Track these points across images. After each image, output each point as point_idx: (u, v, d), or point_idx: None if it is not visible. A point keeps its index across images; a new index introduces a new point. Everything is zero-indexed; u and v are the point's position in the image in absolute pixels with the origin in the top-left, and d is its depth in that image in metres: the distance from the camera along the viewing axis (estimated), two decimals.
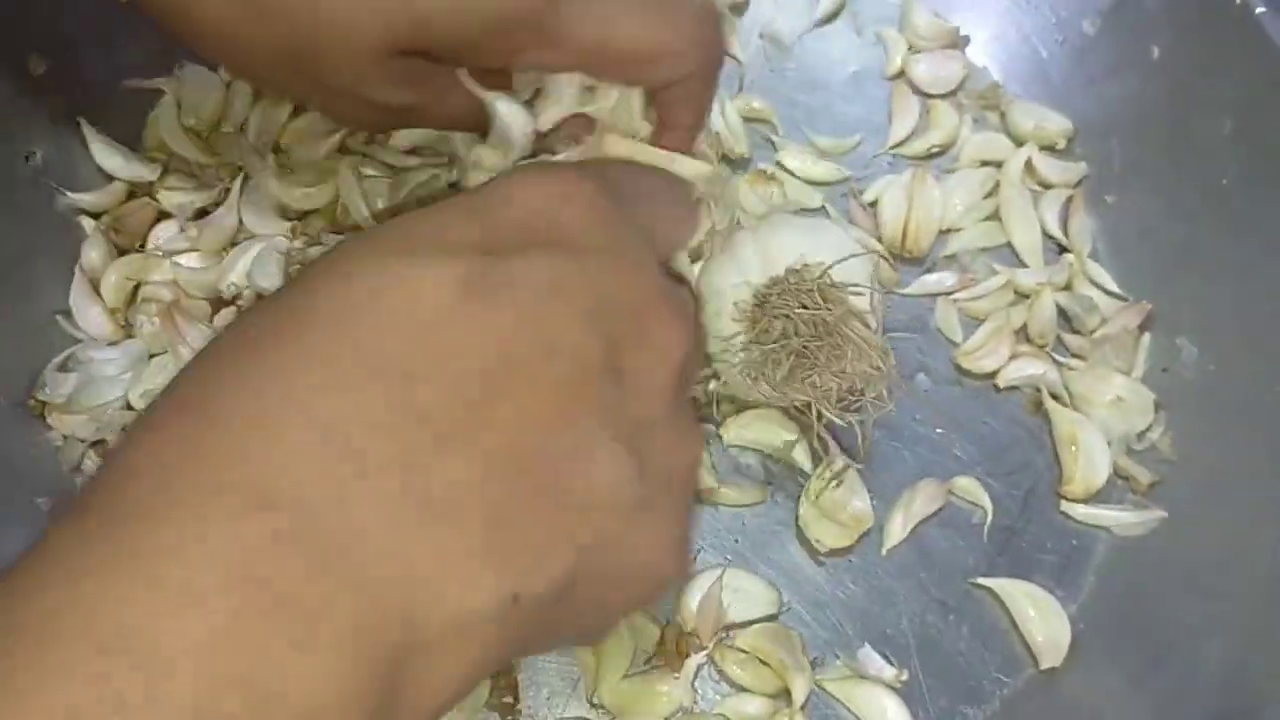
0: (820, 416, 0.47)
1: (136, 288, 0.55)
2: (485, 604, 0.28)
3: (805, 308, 0.46)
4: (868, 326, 0.46)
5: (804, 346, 0.46)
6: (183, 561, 0.24)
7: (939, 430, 0.54)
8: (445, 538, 0.27)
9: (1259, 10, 0.50)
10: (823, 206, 0.59)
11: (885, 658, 0.49)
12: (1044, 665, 0.49)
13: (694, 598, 0.49)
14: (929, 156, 0.60)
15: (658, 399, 0.32)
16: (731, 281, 0.48)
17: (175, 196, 0.56)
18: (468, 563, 0.28)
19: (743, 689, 0.49)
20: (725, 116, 0.60)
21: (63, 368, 0.52)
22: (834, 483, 0.51)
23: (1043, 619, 0.50)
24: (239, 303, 0.54)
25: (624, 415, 0.31)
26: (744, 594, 0.50)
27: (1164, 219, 0.55)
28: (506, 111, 0.43)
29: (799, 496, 0.52)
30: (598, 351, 0.30)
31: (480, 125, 0.44)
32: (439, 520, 0.27)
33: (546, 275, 0.31)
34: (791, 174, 0.59)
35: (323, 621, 0.25)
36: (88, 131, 0.55)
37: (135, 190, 0.56)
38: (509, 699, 0.48)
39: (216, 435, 0.27)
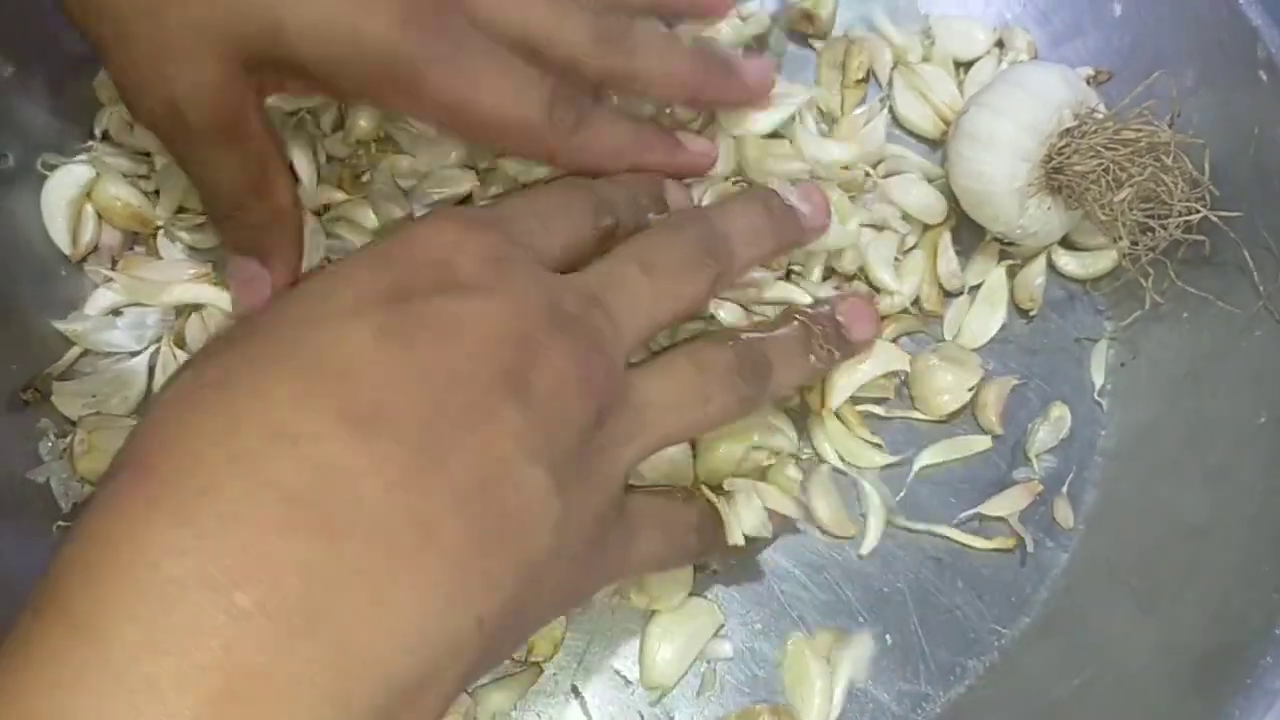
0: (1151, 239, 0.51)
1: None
2: (454, 634, 0.30)
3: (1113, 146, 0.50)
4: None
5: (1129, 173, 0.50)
6: (151, 660, 0.26)
7: None
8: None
9: None
10: None
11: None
12: None
13: None
14: None
15: (568, 427, 0.35)
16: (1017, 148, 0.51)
17: None
18: (432, 597, 0.30)
19: None
20: None
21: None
22: None
23: None
24: None
25: (538, 441, 0.33)
26: None
27: None
28: None
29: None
30: (499, 382, 0.33)
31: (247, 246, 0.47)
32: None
33: (450, 315, 0.34)
34: None
35: (299, 698, 0.27)
36: None
37: None
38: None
39: (166, 516, 0.28)
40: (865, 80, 0.59)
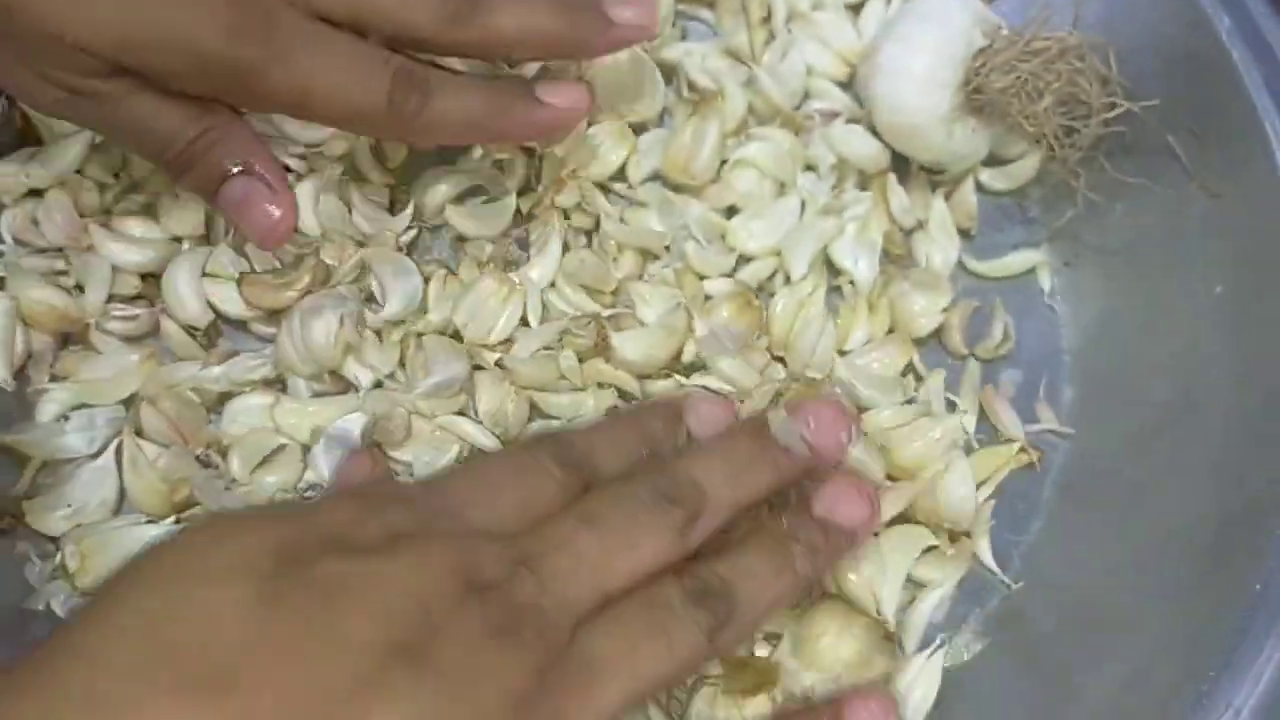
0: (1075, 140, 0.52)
1: None
2: None
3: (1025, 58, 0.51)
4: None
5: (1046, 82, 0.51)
6: None
7: None
8: None
9: None
10: None
11: None
12: None
13: None
14: None
15: (491, 693, 0.33)
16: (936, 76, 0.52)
17: None
18: None
19: None
20: None
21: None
22: None
23: None
24: None
25: (443, 711, 0.32)
26: None
27: None
28: None
29: None
30: (392, 651, 0.32)
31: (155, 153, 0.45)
32: None
33: (338, 577, 0.33)
34: None
35: None
36: None
37: None
38: None
39: None
40: (768, 20, 0.59)
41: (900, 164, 0.57)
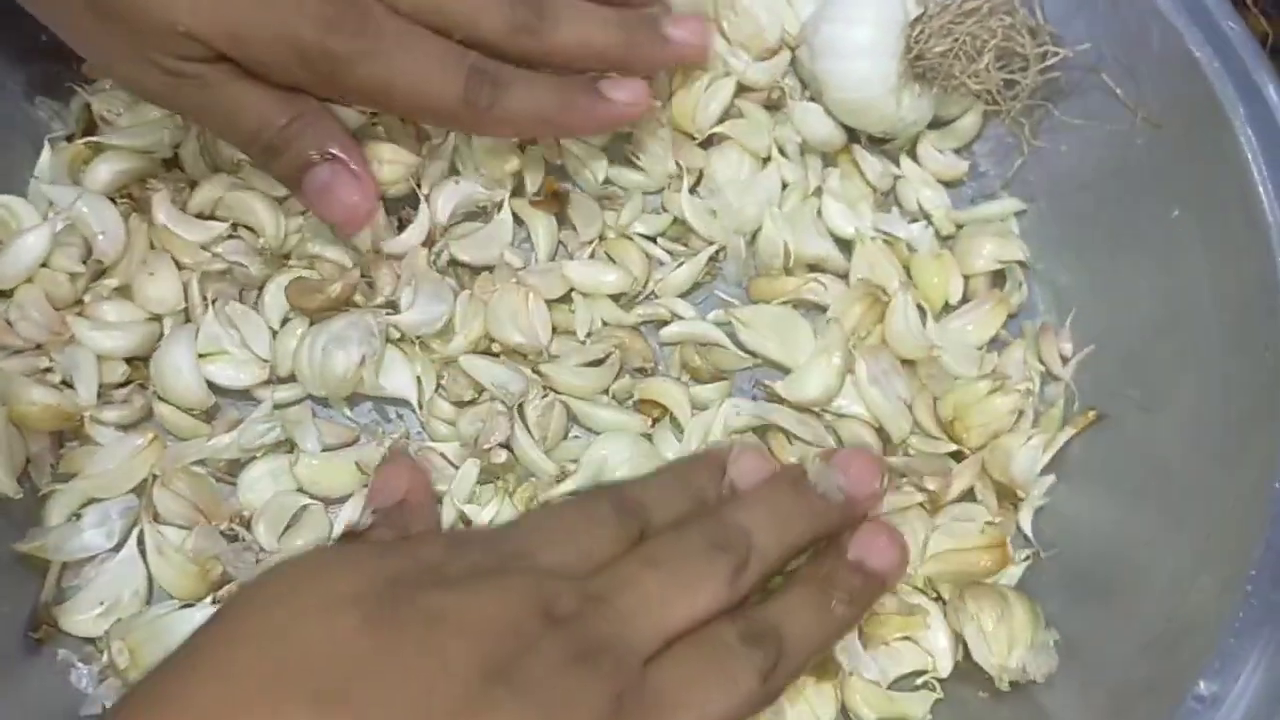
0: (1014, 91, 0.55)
1: None
2: None
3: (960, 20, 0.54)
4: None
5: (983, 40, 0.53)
6: None
7: None
8: None
9: None
10: None
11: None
12: None
13: None
14: None
15: (579, 711, 0.35)
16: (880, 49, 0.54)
17: None
18: None
19: None
20: None
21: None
22: None
23: None
24: None
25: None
26: None
27: None
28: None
29: None
30: (489, 671, 0.35)
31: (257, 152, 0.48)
32: None
33: (436, 607, 0.36)
34: None
35: None
36: None
37: None
38: None
39: None
40: None
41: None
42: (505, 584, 0.38)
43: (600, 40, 0.49)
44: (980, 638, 0.48)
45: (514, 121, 0.49)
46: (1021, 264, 0.57)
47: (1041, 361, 0.55)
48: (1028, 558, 0.52)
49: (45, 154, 0.54)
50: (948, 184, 0.59)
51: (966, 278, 0.57)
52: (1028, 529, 0.52)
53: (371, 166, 0.50)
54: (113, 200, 0.53)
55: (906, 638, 0.50)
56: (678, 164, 0.56)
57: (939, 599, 0.51)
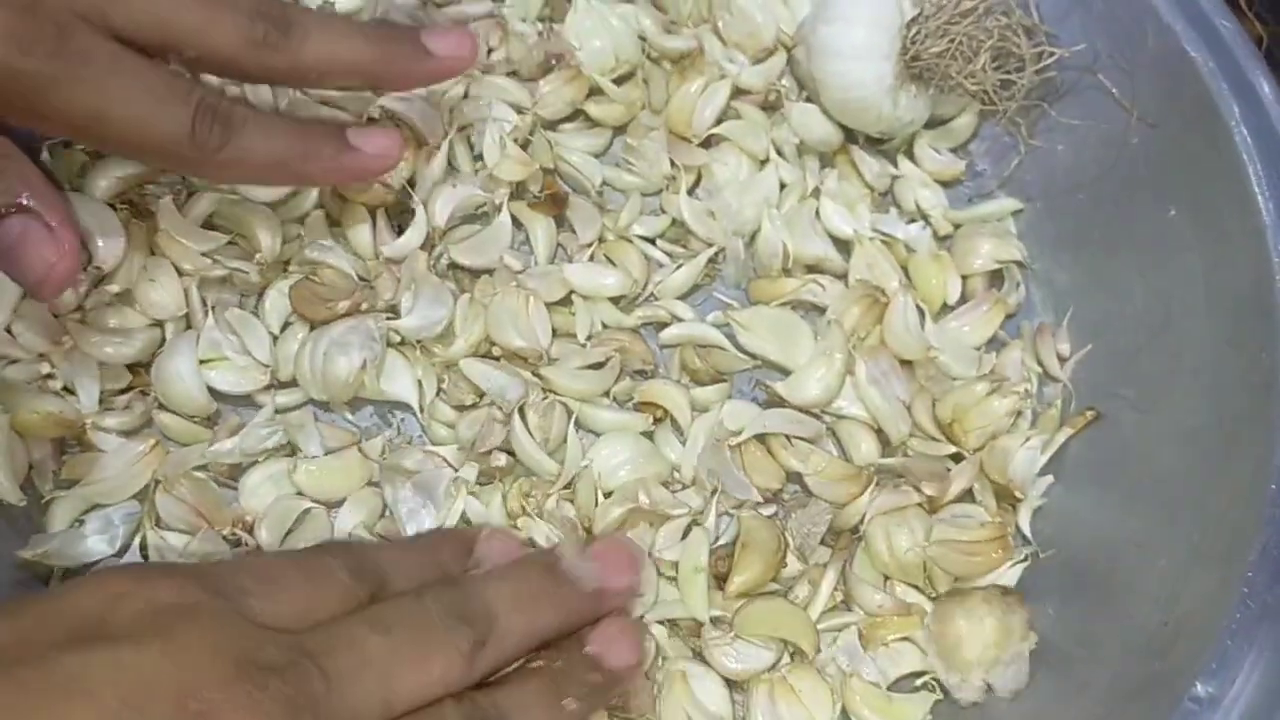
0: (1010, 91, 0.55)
1: None
2: None
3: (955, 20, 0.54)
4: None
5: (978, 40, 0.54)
6: None
7: None
8: None
9: None
10: None
11: None
12: None
13: None
14: None
15: None
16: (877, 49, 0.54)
17: None
18: None
19: None
20: None
21: None
22: None
23: None
24: None
25: None
26: None
27: None
28: None
29: None
30: None
31: None
32: None
33: (77, 672, 0.31)
34: None
35: None
36: None
37: None
38: None
39: None
40: None
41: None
42: (184, 630, 0.33)
43: (349, 55, 0.45)
44: (941, 658, 0.49)
45: (247, 165, 0.44)
46: (1019, 264, 0.58)
47: (1039, 362, 0.56)
48: (1025, 558, 0.52)
49: (44, 160, 0.54)
50: (945, 184, 0.59)
51: (964, 278, 0.57)
52: (1026, 529, 0.53)
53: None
54: (112, 207, 0.53)
55: (905, 638, 0.50)
56: (675, 165, 0.57)
57: (937, 598, 0.51)
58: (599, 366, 0.53)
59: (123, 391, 0.52)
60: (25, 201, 0.42)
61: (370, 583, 0.39)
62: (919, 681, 0.50)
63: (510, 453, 0.52)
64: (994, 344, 0.57)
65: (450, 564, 0.43)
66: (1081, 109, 0.56)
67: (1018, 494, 0.53)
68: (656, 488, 0.51)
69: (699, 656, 0.49)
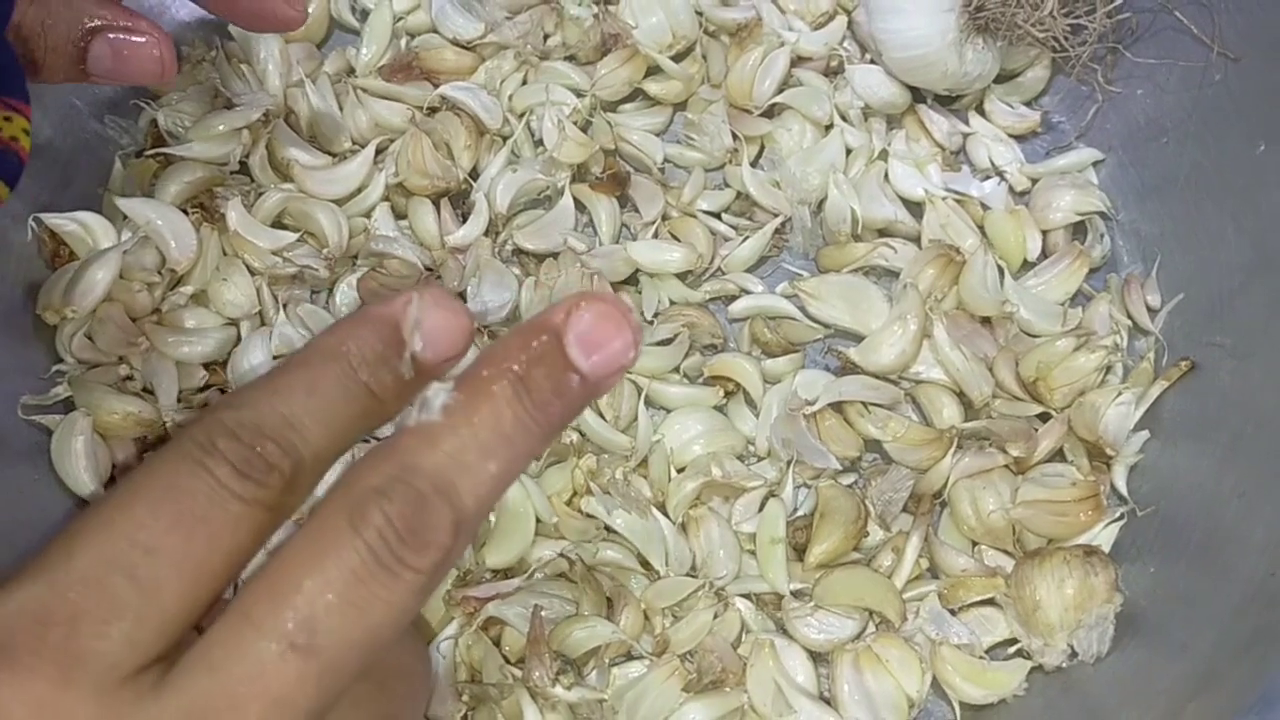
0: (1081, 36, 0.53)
1: None
2: None
3: None
4: None
5: None
6: None
7: None
8: None
9: None
10: None
11: None
12: None
13: None
14: None
15: None
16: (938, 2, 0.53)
17: None
18: None
19: None
20: None
21: None
22: None
23: None
24: None
25: None
26: None
27: None
28: None
29: None
30: None
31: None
32: None
33: None
34: None
35: None
36: None
37: None
38: None
39: None
40: None
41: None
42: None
43: None
44: (1022, 621, 0.47)
45: None
46: (1102, 215, 0.55)
47: (1129, 315, 0.53)
48: (1121, 516, 0.49)
49: (116, 169, 0.56)
50: (1019, 138, 0.57)
51: (1045, 232, 0.55)
52: (1123, 487, 0.50)
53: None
54: (184, 210, 0.54)
55: (989, 601, 0.48)
56: (737, 138, 0.56)
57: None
58: (667, 343, 0.53)
59: (201, 390, 0.53)
60: (92, 23, 0.41)
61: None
62: (1011, 650, 0.48)
63: (581, 432, 0.51)
64: (1080, 299, 0.54)
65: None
66: (1158, 49, 0.53)
67: (1110, 451, 0.50)
68: (730, 460, 0.50)
69: (783, 629, 0.48)
